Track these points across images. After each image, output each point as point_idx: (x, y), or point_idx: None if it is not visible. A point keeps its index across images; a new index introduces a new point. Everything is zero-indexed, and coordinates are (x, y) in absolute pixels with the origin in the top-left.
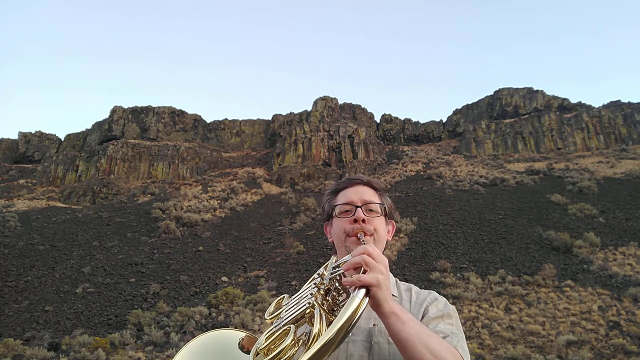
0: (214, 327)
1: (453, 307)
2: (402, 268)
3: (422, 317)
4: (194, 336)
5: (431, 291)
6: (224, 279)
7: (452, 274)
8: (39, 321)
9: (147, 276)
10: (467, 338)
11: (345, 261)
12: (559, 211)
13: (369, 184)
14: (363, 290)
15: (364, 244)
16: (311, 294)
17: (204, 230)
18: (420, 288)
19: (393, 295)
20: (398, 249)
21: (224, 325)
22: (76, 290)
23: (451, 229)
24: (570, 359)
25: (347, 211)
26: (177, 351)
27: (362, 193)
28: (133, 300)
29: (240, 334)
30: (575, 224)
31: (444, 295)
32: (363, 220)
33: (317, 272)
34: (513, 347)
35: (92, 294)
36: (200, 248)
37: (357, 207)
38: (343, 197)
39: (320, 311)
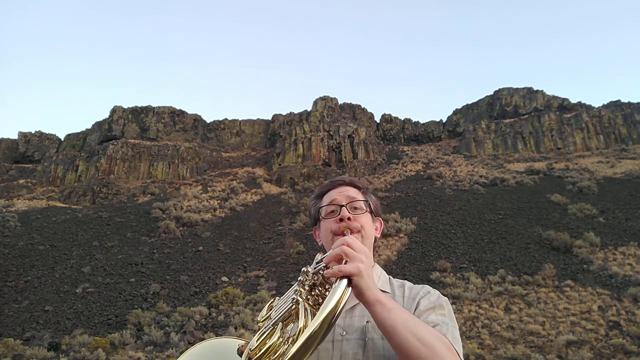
0: (213, 327)
1: (446, 298)
2: (402, 268)
3: (415, 310)
4: (193, 336)
5: (424, 285)
6: (224, 279)
7: (452, 274)
8: (39, 321)
9: (147, 276)
10: (467, 338)
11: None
12: (559, 211)
13: (351, 184)
14: (345, 281)
15: None
16: (296, 290)
17: (204, 230)
18: None
19: (386, 291)
20: (398, 249)
21: (224, 325)
22: (76, 290)
23: (451, 229)
24: (570, 359)
25: (332, 211)
26: (177, 351)
27: (345, 192)
28: (133, 300)
29: (239, 341)
30: (575, 223)
31: (444, 295)
32: (349, 219)
33: (302, 270)
34: (513, 347)
35: (92, 294)
36: (200, 248)
37: (342, 206)
38: (327, 198)
39: (305, 305)
